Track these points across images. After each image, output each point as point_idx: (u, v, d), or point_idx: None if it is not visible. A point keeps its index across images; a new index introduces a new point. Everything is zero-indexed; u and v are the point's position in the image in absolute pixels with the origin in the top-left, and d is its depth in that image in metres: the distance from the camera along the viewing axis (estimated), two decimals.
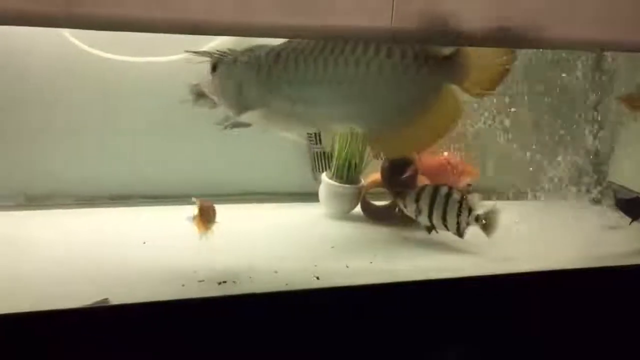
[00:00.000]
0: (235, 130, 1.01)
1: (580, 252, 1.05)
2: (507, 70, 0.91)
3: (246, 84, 0.92)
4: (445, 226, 1.08)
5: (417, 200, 1.09)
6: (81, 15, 0.72)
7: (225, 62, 0.93)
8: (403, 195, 1.12)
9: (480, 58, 0.90)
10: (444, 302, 0.90)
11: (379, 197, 1.24)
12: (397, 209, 1.22)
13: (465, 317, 0.92)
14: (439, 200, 1.07)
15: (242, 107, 0.93)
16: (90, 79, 1.14)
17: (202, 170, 1.26)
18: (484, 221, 1.05)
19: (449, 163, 1.25)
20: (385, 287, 0.89)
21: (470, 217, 1.05)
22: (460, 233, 1.07)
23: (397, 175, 1.20)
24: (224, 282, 0.89)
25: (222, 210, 1.20)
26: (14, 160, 1.15)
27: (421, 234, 1.13)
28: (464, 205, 1.06)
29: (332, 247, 1.06)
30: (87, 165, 1.19)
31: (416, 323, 0.89)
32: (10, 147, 1.15)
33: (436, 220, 1.08)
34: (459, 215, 1.06)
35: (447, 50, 0.91)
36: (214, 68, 0.93)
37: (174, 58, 1.13)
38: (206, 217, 0.99)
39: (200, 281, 0.89)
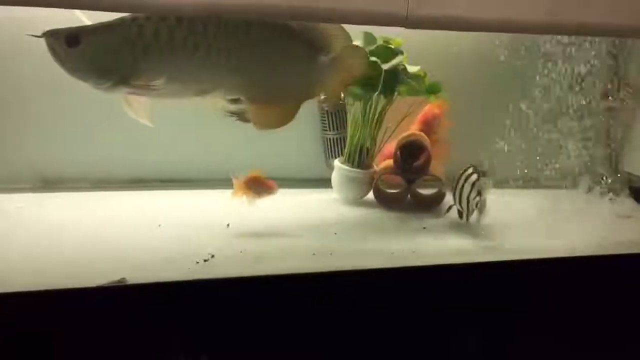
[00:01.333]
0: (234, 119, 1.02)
1: (594, 239, 1.05)
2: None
3: (120, 57, 0.89)
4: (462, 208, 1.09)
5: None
6: None
7: (91, 36, 0.88)
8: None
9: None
10: (458, 288, 0.91)
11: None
12: (408, 196, 1.23)
13: (479, 303, 0.93)
14: (461, 182, 1.08)
15: (112, 82, 0.90)
16: None
17: (214, 156, 1.27)
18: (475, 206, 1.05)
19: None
20: (395, 271, 0.90)
21: (475, 200, 1.05)
22: (465, 216, 1.08)
23: (410, 162, 1.20)
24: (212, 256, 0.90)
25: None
26: (31, 143, 1.17)
27: (433, 221, 1.14)
28: (474, 188, 1.06)
29: (340, 232, 1.06)
30: (103, 150, 1.21)
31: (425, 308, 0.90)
32: (28, 131, 1.16)
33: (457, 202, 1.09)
34: (468, 197, 1.06)
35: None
36: (74, 42, 0.87)
37: None
38: (255, 186, 1.04)
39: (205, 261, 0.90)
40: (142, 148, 1.22)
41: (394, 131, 1.23)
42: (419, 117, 1.27)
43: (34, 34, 0.87)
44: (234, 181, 1.05)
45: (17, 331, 0.76)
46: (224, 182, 1.26)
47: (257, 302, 0.84)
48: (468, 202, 1.06)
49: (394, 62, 1.13)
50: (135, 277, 0.83)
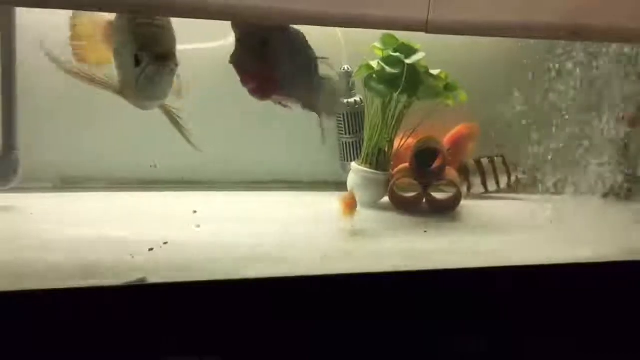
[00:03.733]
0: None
1: (611, 245, 1.05)
2: None
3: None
4: None
5: None
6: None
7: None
8: None
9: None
10: (469, 292, 0.91)
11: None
12: (424, 200, 1.23)
13: (491, 307, 0.93)
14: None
15: None
16: None
17: (230, 158, 1.28)
18: None
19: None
20: (406, 275, 0.90)
21: None
22: None
23: (426, 166, 1.21)
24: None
25: (249, 198, 1.24)
26: (50, 144, 1.19)
27: (449, 224, 1.14)
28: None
29: (356, 235, 1.07)
30: (120, 150, 1.22)
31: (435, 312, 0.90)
32: (48, 131, 1.18)
33: None
34: None
35: None
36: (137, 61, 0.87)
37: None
38: (350, 203, 1.08)
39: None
40: (160, 149, 1.23)
41: (411, 134, 1.24)
42: (450, 136, 1.29)
43: None
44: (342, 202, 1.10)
45: (38, 329, 0.77)
46: (239, 185, 1.28)
47: (266, 304, 0.85)
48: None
49: (417, 57, 1.15)
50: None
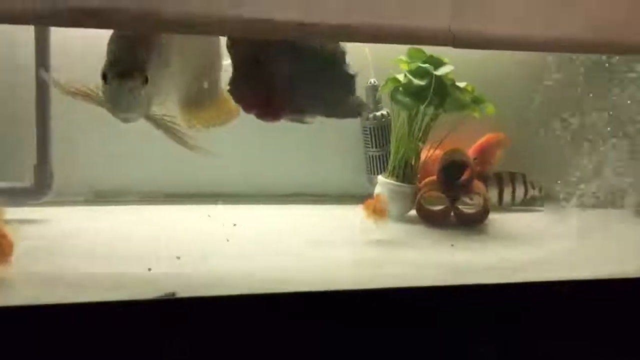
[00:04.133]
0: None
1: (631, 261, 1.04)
2: None
3: (160, 87, 0.91)
4: None
5: None
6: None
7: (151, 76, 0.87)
8: None
9: None
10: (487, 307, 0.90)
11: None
12: (452, 213, 1.22)
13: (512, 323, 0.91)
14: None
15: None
16: None
17: (256, 171, 1.29)
18: None
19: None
20: (435, 290, 0.90)
21: None
22: None
23: (453, 179, 1.20)
24: None
25: (275, 211, 1.25)
26: (83, 157, 1.21)
27: (478, 237, 1.13)
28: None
29: (383, 248, 1.07)
30: (151, 164, 1.24)
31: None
32: (82, 145, 1.21)
33: None
34: None
35: None
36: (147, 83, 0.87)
37: None
38: (380, 209, 1.08)
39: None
40: (190, 163, 1.25)
41: (438, 146, 1.24)
42: (477, 145, 1.29)
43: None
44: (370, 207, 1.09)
45: (69, 344, 0.79)
46: (266, 198, 1.29)
47: (294, 319, 0.85)
48: None
49: (446, 69, 1.15)
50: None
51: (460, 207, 1.23)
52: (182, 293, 0.83)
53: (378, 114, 1.29)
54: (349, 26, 0.77)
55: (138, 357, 0.81)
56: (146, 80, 0.85)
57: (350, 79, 0.98)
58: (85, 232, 1.05)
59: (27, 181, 1.10)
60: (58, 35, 1.08)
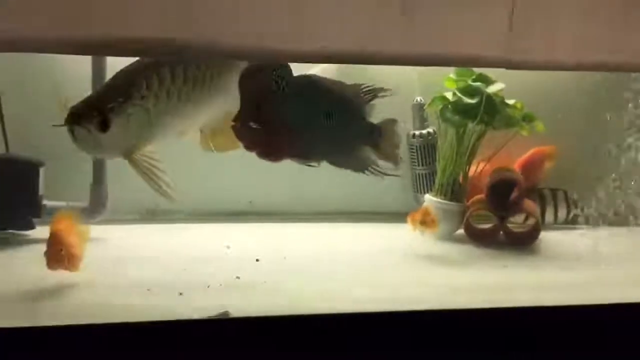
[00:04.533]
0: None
1: None
2: None
3: (141, 128, 0.88)
4: None
5: None
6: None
7: (120, 116, 0.85)
8: None
9: None
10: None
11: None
12: (501, 232, 1.21)
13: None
14: None
15: (134, 149, 0.90)
16: None
17: (302, 189, 1.30)
18: None
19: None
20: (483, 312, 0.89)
21: None
22: None
23: (503, 198, 1.19)
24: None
25: (322, 230, 1.25)
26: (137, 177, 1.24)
27: (529, 257, 1.12)
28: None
29: (430, 267, 1.06)
30: (200, 183, 1.26)
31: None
32: None
33: None
34: None
35: None
36: (105, 127, 0.84)
37: None
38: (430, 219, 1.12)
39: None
40: (234, 181, 1.27)
41: (487, 163, 1.23)
42: (522, 160, 1.28)
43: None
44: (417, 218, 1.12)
45: None
46: (312, 216, 1.29)
47: (341, 339, 0.85)
48: None
49: (497, 87, 1.16)
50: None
51: (509, 225, 1.22)
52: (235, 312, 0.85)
53: (424, 132, 1.29)
54: (407, 53, 0.77)
55: None
56: (104, 124, 0.83)
57: (366, 130, 0.91)
58: (140, 248, 1.07)
59: (84, 201, 1.13)
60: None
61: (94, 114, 0.82)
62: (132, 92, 0.85)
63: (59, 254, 0.86)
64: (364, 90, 0.91)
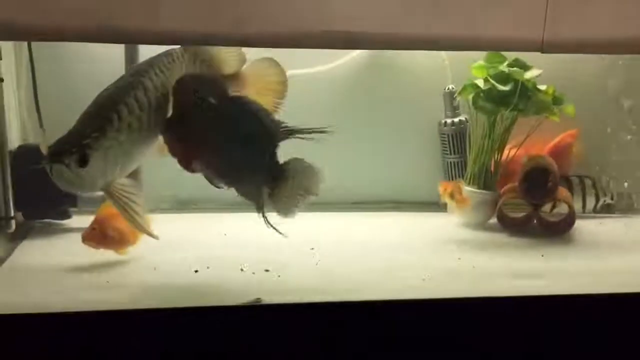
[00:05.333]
0: None
1: None
2: None
3: (117, 159, 0.87)
4: None
5: None
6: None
7: (98, 151, 0.84)
8: None
9: None
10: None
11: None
12: (535, 220, 1.19)
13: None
14: None
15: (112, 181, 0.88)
16: None
17: (334, 179, 1.29)
18: None
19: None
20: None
21: None
22: None
23: (537, 186, 1.17)
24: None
25: (353, 219, 1.25)
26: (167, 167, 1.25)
27: (565, 246, 1.10)
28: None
29: (464, 257, 1.05)
30: None
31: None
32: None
33: None
34: None
35: None
36: (84, 162, 0.83)
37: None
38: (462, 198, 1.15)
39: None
40: None
41: (518, 149, 1.22)
42: (551, 145, 1.25)
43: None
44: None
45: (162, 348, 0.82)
46: (343, 206, 1.29)
47: (376, 327, 0.85)
48: None
49: (534, 72, 1.14)
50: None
51: (542, 214, 1.20)
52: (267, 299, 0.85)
53: (457, 120, 1.27)
54: (439, 35, 0.76)
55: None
56: (84, 159, 0.83)
57: (267, 170, 0.85)
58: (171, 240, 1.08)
59: None
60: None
61: (72, 150, 0.83)
62: (105, 125, 0.85)
63: (91, 231, 0.94)
64: (283, 127, 0.85)
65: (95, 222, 0.95)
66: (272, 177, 0.85)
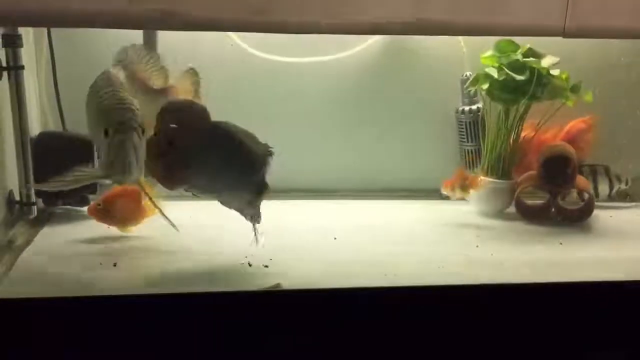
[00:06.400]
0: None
1: None
2: None
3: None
4: None
5: None
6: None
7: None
8: None
9: None
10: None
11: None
12: (553, 209, 1.19)
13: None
14: None
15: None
16: (252, 79, 1.22)
17: (350, 167, 1.30)
18: None
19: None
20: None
21: None
22: None
23: (557, 173, 1.16)
24: None
25: (369, 206, 1.25)
26: None
27: (584, 235, 1.10)
28: None
29: (482, 245, 1.05)
30: None
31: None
32: None
33: None
34: None
35: None
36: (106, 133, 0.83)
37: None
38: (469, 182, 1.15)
39: None
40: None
41: (533, 136, 1.21)
42: (564, 132, 1.24)
43: None
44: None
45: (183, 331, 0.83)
46: (360, 193, 1.29)
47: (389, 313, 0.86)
48: None
49: (551, 60, 1.13)
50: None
51: (561, 203, 1.19)
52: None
53: (474, 107, 1.27)
54: (455, 23, 0.76)
55: (244, 346, 0.84)
56: (143, 133, 0.84)
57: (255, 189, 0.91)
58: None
59: None
60: None
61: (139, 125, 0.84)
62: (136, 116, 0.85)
63: (96, 206, 1.02)
64: (268, 151, 0.91)
65: (102, 199, 1.03)
66: (257, 193, 0.92)
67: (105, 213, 1.02)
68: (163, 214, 0.97)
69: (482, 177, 1.18)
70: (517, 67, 1.13)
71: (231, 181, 0.90)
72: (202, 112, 0.90)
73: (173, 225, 0.96)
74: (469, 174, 1.17)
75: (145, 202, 1.00)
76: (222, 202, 0.93)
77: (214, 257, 0.96)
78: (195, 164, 0.86)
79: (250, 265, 0.93)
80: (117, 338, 0.80)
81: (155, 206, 0.97)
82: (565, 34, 0.81)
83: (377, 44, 1.24)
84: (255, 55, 1.19)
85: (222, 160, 0.88)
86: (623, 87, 1.27)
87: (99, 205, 1.02)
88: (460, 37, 1.22)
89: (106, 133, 0.82)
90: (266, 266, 0.93)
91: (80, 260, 0.93)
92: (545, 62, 1.12)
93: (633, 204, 1.30)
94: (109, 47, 0.95)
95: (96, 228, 1.03)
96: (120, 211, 1.02)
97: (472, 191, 1.16)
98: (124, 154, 0.81)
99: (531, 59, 1.13)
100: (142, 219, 1.03)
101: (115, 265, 0.91)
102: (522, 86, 1.13)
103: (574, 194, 1.19)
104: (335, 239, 1.05)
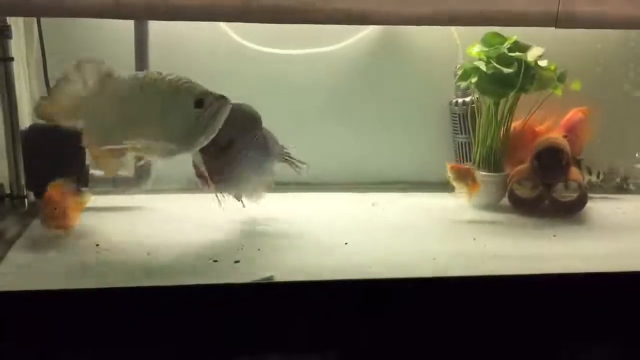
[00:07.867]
0: None
1: None
2: None
3: None
4: None
5: None
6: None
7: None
8: None
9: None
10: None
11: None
12: (546, 201, 1.18)
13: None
14: None
15: None
16: (246, 71, 1.21)
17: (343, 159, 1.30)
18: None
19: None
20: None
21: None
22: None
23: (550, 165, 1.16)
24: None
25: (365, 198, 1.25)
26: None
27: (577, 227, 1.10)
28: None
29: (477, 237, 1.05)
30: None
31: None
32: None
33: None
34: None
35: None
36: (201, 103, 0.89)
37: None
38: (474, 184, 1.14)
39: None
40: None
41: (523, 126, 1.22)
42: (563, 122, 1.24)
43: None
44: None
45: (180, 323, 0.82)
46: (355, 186, 1.29)
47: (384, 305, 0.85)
48: None
49: (537, 51, 1.12)
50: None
51: (554, 195, 1.19)
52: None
53: (468, 99, 1.26)
54: (453, 11, 0.75)
55: (234, 338, 0.84)
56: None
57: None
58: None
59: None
60: None
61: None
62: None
63: (53, 212, 0.96)
64: (284, 152, 1.10)
65: (50, 202, 0.97)
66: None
67: (58, 216, 0.97)
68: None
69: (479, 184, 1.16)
70: (505, 60, 1.13)
71: (252, 176, 1.05)
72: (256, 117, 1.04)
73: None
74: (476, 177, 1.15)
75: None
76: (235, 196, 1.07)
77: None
78: (236, 168, 1.01)
79: None
80: (107, 332, 0.80)
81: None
82: (557, 24, 0.81)
83: (370, 35, 1.24)
84: (247, 46, 1.19)
85: (256, 162, 1.04)
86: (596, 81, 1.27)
87: (56, 209, 0.97)
88: (453, 29, 1.21)
89: (198, 104, 0.87)
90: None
91: (70, 253, 0.92)
92: (532, 54, 1.11)
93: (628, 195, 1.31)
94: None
95: (86, 220, 1.01)
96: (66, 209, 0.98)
97: (468, 191, 1.15)
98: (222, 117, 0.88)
99: (517, 53, 1.12)
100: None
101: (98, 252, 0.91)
102: (510, 79, 1.13)
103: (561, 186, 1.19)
104: (346, 244, 1.02)
